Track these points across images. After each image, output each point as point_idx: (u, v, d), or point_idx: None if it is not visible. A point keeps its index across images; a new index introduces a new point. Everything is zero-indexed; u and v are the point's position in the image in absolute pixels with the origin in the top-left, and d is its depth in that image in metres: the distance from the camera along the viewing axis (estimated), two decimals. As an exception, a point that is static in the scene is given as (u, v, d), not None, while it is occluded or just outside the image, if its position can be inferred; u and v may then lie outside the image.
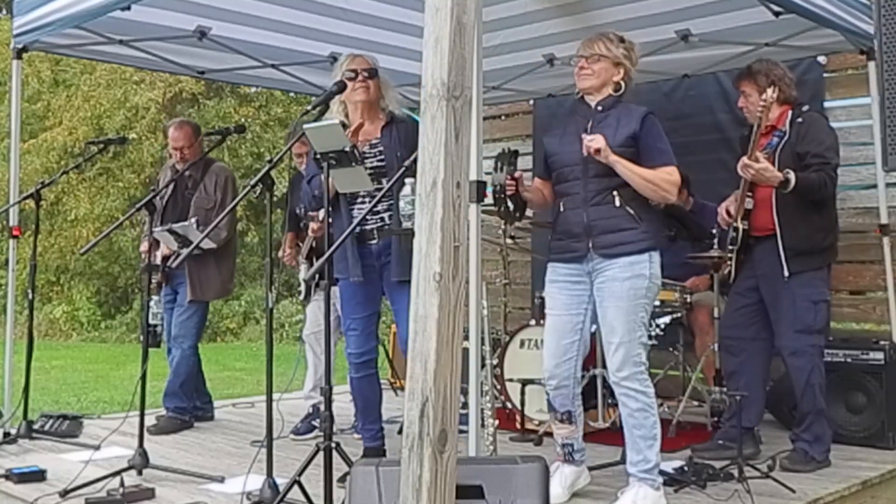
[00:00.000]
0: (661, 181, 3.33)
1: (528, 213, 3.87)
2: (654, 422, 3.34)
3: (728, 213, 4.21)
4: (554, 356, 3.50)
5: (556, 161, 3.51)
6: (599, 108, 3.46)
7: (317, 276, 4.64)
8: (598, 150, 3.29)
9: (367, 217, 3.73)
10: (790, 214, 3.98)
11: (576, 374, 3.52)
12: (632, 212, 3.33)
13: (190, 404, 5.27)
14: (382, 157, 3.80)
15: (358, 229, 3.74)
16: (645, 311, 3.36)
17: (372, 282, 3.84)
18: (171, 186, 5.20)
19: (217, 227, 4.89)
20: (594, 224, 3.35)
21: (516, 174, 3.54)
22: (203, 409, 5.44)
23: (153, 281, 5.13)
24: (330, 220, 3.52)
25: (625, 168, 3.30)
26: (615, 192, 3.34)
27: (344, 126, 3.82)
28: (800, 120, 4.08)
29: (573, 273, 3.45)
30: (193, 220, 4.82)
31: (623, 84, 3.46)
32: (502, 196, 3.45)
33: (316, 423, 4.86)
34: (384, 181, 3.63)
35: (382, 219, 3.78)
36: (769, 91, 3.91)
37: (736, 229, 4.15)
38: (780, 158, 4.00)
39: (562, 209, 3.48)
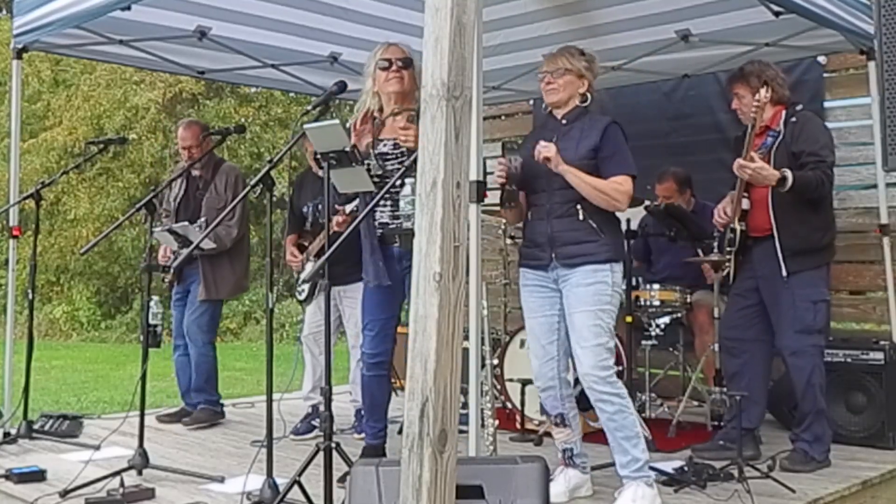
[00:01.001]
0: (610, 190, 3.39)
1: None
2: (632, 420, 3.40)
3: (725, 213, 4.21)
4: (537, 357, 3.60)
5: (525, 173, 3.59)
6: (564, 121, 3.55)
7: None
8: (547, 159, 3.36)
9: (389, 221, 3.71)
10: (787, 214, 3.99)
11: (560, 375, 3.57)
12: (594, 225, 3.41)
13: (217, 397, 5.32)
14: (404, 157, 3.64)
15: (380, 232, 3.74)
16: (610, 317, 3.41)
17: (393, 285, 3.78)
18: (182, 188, 5.27)
19: (228, 226, 4.94)
20: (557, 236, 3.45)
21: (503, 160, 3.55)
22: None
23: (165, 279, 5.21)
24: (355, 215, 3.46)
25: (574, 177, 3.38)
26: (579, 206, 3.43)
27: (373, 118, 3.77)
28: (794, 119, 4.08)
29: (541, 278, 3.55)
30: (203, 220, 4.88)
31: (588, 95, 3.54)
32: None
33: (316, 422, 4.85)
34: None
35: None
36: (762, 91, 3.91)
37: (734, 231, 4.15)
38: (776, 158, 4.00)
39: (530, 218, 3.60)
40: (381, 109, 3.79)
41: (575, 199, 3.42)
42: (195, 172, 5.25)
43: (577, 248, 3.41)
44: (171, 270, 5.00)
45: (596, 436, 4.36)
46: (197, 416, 5.20)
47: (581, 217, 3.41)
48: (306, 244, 4.97)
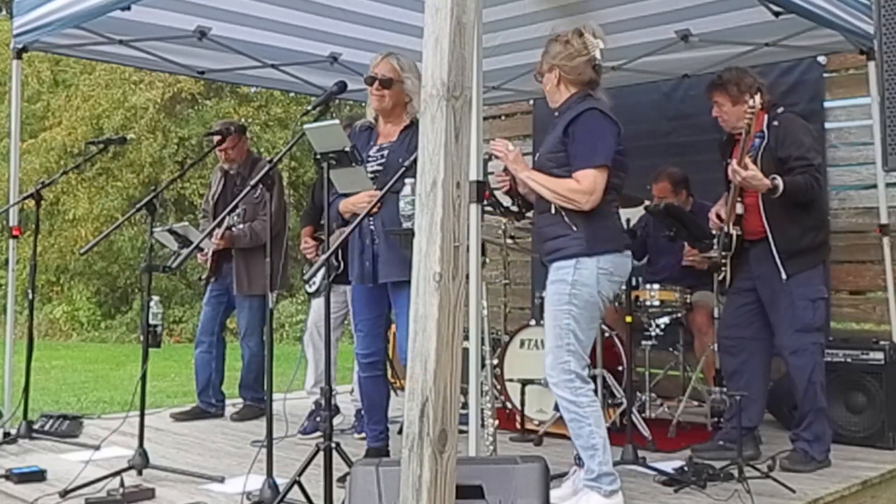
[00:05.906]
0: (564, 191, 3.24)
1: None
2: (590, 431, 3.22)
3: (718, 216, 4.22)
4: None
5: None
6: (556, 113, 3.47)
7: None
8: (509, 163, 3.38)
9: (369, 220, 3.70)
10: (779, 217, 3.99)
11: None
12: (566, 219, 3.27)
13: (262, 394, 5.35)
14: (383, 160, 3.74)
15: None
16: (572, 317, 3.22)
17: (379, 284, 3.80)
18: (220, 186, 5.49)
19: (263, 220, 5.11)
20: (540, 231, 3.42)
21: (501, 173, 3.60)
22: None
23: (201, 278, 5.39)
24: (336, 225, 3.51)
25: (533, 182, 3.34)
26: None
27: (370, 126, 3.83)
28: (776, 123, 4.06)
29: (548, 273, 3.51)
30: (237, 212, 5.11)
31: (566, 84, 3.40)
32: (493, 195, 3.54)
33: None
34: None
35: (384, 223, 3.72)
36: (756, 98, 3.90)
37: (728, 235, 4.16)
38: (762, 162, 3.99)
39: None
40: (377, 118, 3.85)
41: None
42: (232, 171, 5.43)
43: (552, 244, 3.31)
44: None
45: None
46: (244, 413, 5.43)
47: (553, 211, 3.31)
48: (322, 237, 4.97)
